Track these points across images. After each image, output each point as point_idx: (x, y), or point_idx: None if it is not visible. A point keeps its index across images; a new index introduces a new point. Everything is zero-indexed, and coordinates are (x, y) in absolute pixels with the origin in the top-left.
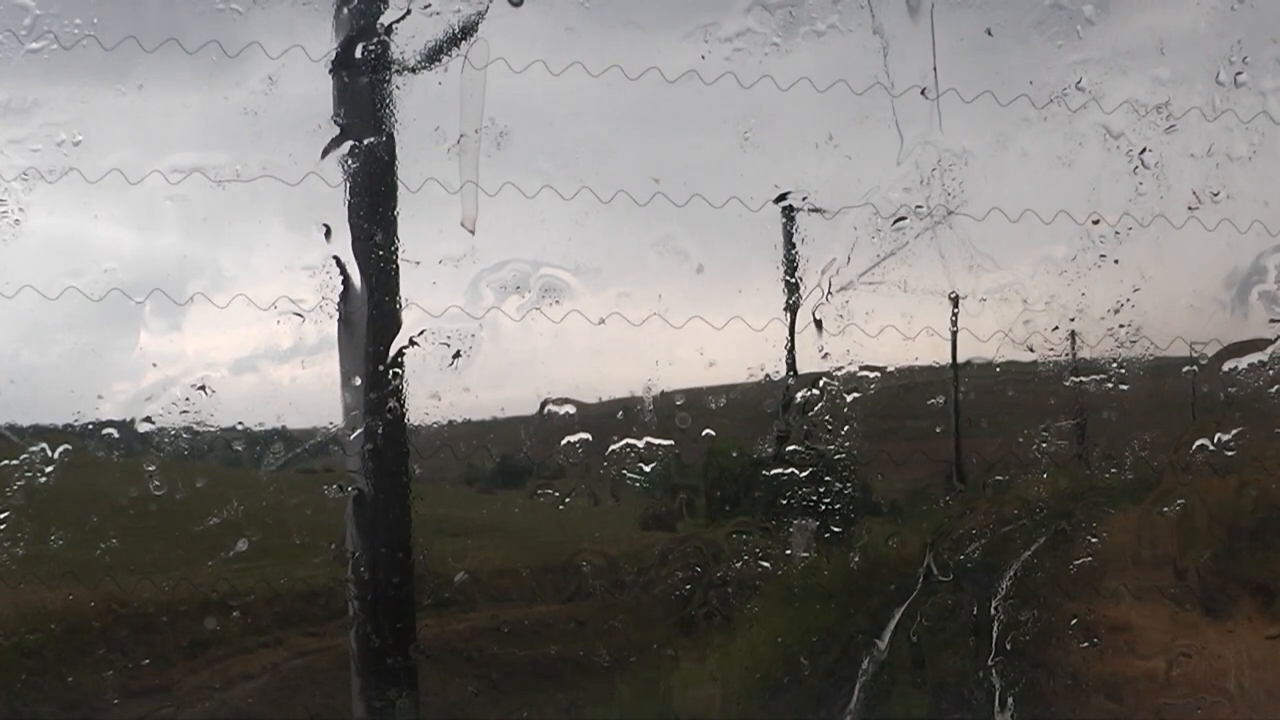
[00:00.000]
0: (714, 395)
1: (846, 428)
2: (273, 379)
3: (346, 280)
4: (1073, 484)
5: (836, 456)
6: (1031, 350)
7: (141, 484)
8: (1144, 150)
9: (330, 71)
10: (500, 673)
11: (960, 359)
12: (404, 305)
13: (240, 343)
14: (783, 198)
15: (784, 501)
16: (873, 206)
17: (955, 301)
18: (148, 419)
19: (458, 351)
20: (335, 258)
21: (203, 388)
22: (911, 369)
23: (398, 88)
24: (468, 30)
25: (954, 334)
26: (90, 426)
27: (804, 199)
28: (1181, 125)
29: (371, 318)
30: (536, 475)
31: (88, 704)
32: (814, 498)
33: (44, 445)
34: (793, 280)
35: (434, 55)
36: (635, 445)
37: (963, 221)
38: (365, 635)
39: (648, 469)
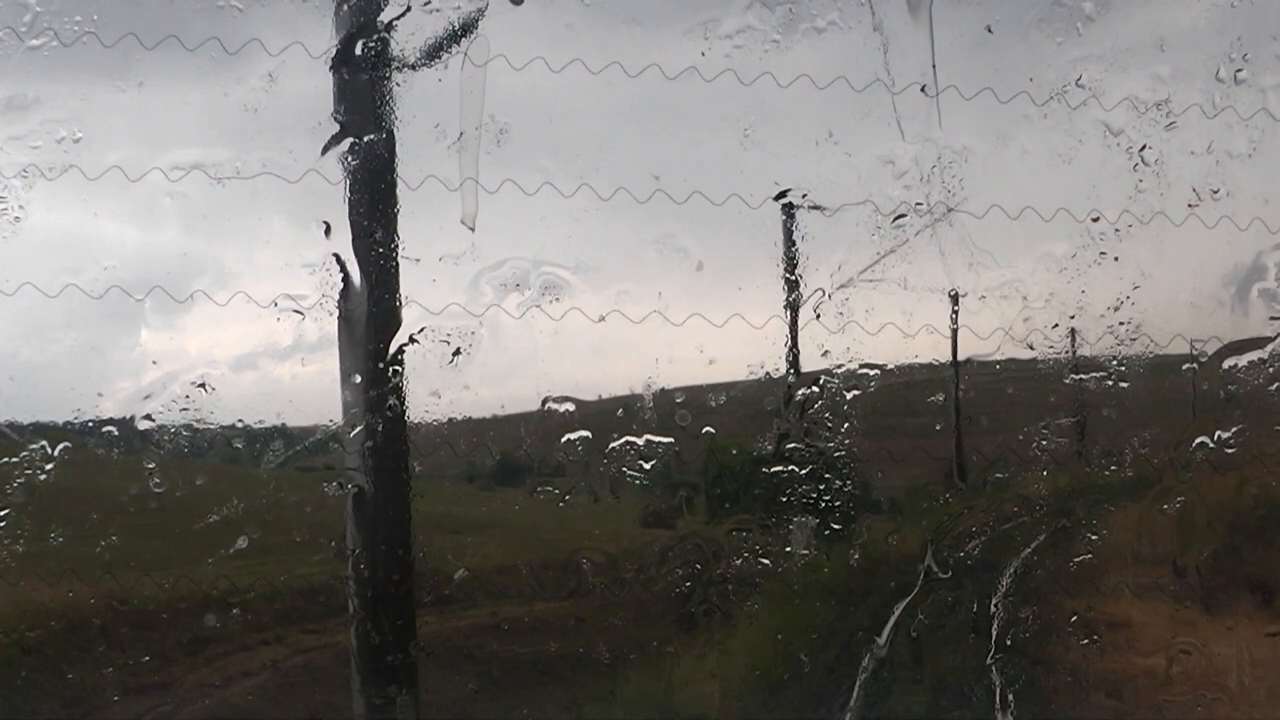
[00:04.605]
0: (714, 393)
1: (846, 425)
2: (273, 376)
3: (346, 277)
4: (1073, 481)
5: (836, 454)
6: (1031, 348)
7: (142, 481)
8: (1144, 147)
9: (330, 68)
10: (500, 670)
11: (960, 356)
12: (404, 302)
13: (240, 340)
14: (783, 195)
15: (784, 499)
16: (872, 204)
17: (955, 299)
18: (148, 416)
19: (458, 349)
20: (335, 255)
21: (203, 385)
22: (911, 366)
23: (398, 85)
24: (468, 27)
25: (954, 331)
26: (90, 424)
27: (804, 196)
28: (1181, 122)
29: (371, 315)
30: (536, 473)
31: (88, 701)
32: (814, 495)
33: (44, 443)
34: (793, 277)
35: (434, 52)
36: (635, 443)
37: (963, 219)
38: (365, 632)
39: (648, 466)
